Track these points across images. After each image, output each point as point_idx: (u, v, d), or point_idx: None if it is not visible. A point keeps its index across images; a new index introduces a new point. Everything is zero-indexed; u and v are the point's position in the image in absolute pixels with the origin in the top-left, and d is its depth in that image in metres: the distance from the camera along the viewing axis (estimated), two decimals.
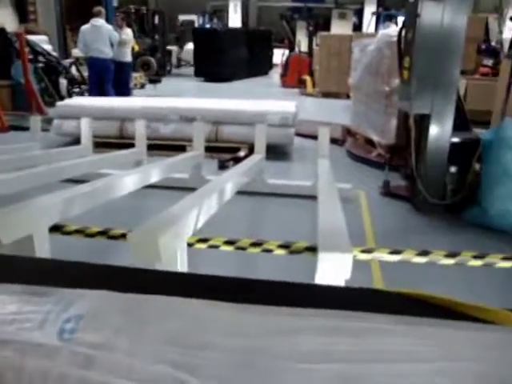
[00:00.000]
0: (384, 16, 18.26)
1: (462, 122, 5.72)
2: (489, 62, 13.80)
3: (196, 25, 27.36)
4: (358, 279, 3.67)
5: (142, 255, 2.14)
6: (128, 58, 10.98)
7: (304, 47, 17.70)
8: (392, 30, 7.71)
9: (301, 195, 5.31)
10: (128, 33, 10.94)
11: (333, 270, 1.91)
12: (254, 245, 2.53)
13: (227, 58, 18.19)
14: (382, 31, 8.52)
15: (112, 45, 9.85)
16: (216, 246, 2.63)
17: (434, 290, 3.10)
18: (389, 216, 5.26)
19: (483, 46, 13.84)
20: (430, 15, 4.95)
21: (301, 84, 15.81)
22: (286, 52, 18.42)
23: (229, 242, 2.61)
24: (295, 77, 16.44)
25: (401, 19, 14.27)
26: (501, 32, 13.85)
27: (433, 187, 5.21)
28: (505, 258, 2.44)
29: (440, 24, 4.96)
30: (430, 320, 0.75)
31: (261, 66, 21.63)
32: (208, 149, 6.56)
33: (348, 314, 0.74)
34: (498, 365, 0.68)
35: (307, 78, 15.65)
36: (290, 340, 0.62)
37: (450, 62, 5.07)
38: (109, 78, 9.98)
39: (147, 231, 2.14)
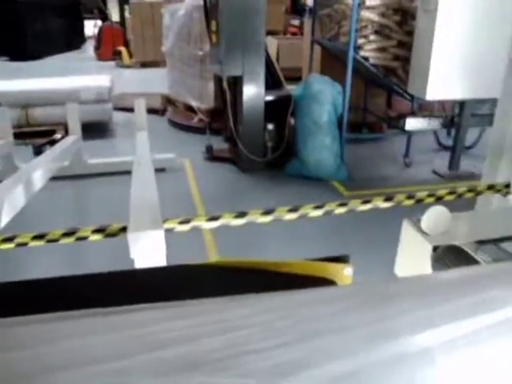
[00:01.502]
0: None
1: (274, 81, 5.94)
2: (296, 21, 14.48)
3: None
4: (191, 249, 3.73)
5: None
6: None
7: (116, 17, 16.97)
8: None
9: (126, 171, 5.12)
10: None
11: (147, 248, 1.85)
12: (67, 235, 2.36)
13: (33, 32, 16.76)
14: None
15: None
16: (24, 244, 2.40)
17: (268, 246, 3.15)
18: (215, 180, 5.32)
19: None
20: None
21: (117, 56, 15.18)
22: (99, 23, 17.52)
23: (38, 237, 2.39)
24: (110, 49, 15.70)
25: None
26: None
27: (253, 146, 5.37)
28: (316, 207, 2.56)
29: None
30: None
31: (73, 40, 20.28)
32: (20, 135, 6.05)
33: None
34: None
35: (122, 49, 15.06)
36: None
37: (256, 23, 5.17)
38: None
39: None
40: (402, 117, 5.66)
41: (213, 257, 3.68)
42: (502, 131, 2.95)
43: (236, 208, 2.67)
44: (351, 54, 5.39)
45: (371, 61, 5.60)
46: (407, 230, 1.83)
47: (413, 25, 5.44)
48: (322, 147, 5.10)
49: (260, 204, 2.60)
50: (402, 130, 5.49)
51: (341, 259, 1.73)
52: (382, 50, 5.68)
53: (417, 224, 1.77)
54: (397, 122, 5.93)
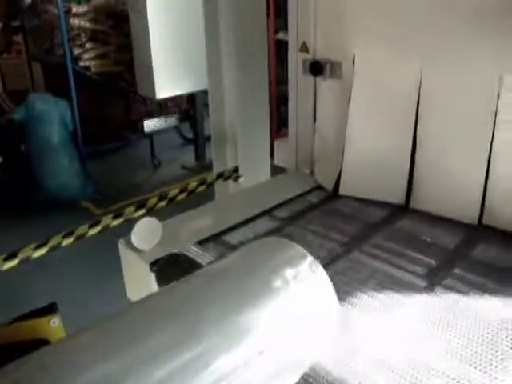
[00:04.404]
0: None
1: None
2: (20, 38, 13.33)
3: None
4: None
5: None
6: None
7: None
8: None
9: None
10: None
11: None
12: None
13: None
14: None
15: None
16: None
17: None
18: None
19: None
20: None
21: None
22: None
23: None
24: None
25: None
26: None
27: None
28: (38, 247, 2.29)
29: None
30: None
31: None
32: None
33: None
34: None
35: None
36: None
37: None
38: None
39: None
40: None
41: None
42: (219, 120, 3.00)
43: None
44: (69, 65, 5.08)
45: (93, 69, 5.37)
46: (123, 250, 1.68)
47: (129, 27, 5.33)
48: (61, 169, 4.73)
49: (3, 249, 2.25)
50: (142, 133, 5.40)
51: (48, 309, 1.51)
52: (101, 56, 5.48)
53: (130, 242, 1.63)
54: (138, 126, 5.82)
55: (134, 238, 1.58)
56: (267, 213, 1.98)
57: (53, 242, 2.33)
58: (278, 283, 1.01)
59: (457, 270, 1.51)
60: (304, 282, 1.06)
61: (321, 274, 1.10)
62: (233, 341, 0.89)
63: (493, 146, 1.67)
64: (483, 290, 1.41)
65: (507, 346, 1.17)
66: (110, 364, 0.80)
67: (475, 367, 1.11)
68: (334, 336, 1.14)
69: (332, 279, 1.48)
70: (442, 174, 1.78)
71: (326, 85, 2.13)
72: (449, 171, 1.76)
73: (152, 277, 1.60)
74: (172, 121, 5.53)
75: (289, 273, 1.04)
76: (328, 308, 1.09)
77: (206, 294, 0.96)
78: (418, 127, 1.79)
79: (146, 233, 1.60)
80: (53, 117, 4.75)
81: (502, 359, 1.13)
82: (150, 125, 5.32)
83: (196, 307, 0.91)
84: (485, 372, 1.10)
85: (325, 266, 1.55)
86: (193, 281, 1.05)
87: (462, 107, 1.69)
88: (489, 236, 1.71)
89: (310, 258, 1.10)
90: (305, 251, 1.12)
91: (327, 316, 1.09)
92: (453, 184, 1.75)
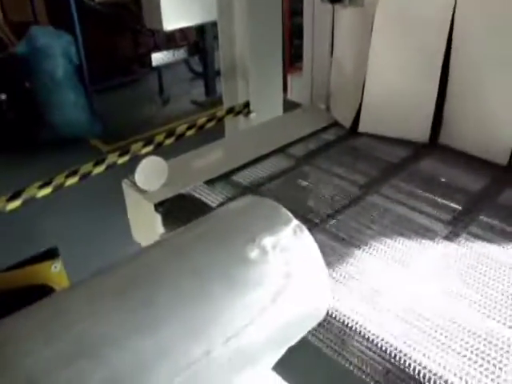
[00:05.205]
0: None
1: None
2: None
3: None
4: None
5: None
6: None
7: None
8: None
9: None
10: None
11: None
12: None
13: None
14: None
15: None
16: None
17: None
18: None
19: None
20: None
21: None
22: None
23: None
24: None
25: None
26: None
27: None
28: (42, 186, 2.22)
29: None
30: None
31: None
32: None
33: None
34: None
35: None
36: None
37: None
38: None
39: None
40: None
41: None
42: (229, 53, 2.83)
43: None
44: None
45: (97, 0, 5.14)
46: (128, 190, 1.59)
47: None
48: (67, 105, 4.61)
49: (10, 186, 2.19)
50: (150, 67, 5.23)
51: (48, 254, 1.44)
52: None
53: (135, 182, 1.54)
54: (146, 60, 5.63)
55: (138, 177, 1.48)
56: (280, 151, 1.86)
57: (57, 181, 2.26)
58: (253, 254, 0.85)
59: (483, 216, 1.41)
60: (286, 251, 0.90)
61: (307, 241, 0.94)
62: (196, 329, 0.74)
63: None
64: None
65: None
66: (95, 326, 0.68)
67: (504, 323, 1.03)
68: (326, 310, 1.02)
69: (348, 224, 1.40)
70: (474, 108, 1.63)
71: (345, 13, 1.96)
72: (482, 105, 1.61)
73: (158, 218, 1.51)
74: (181, 54, 5.33)
75: (268, 241, 0.88)
76: (316, 281, 0.94)
77: (162, 272, 0.79)
78: (451, 58, 1.63)
79: (151, 173, 1.50)
80: (56, 51, 4.56)
81: None
82: (157, 58, 5.13)
83: (148, 290, 0.75)
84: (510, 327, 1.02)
85: (340, 210, 1.48)
86: (146, 256, 0.88)
87: (501, 36, 1.52)
88: None
89: (294, 222, 0.94)
90: (289, 213, 0.95)
91: (315, 290, 0.95)
92: (485, 119, 1.62)
